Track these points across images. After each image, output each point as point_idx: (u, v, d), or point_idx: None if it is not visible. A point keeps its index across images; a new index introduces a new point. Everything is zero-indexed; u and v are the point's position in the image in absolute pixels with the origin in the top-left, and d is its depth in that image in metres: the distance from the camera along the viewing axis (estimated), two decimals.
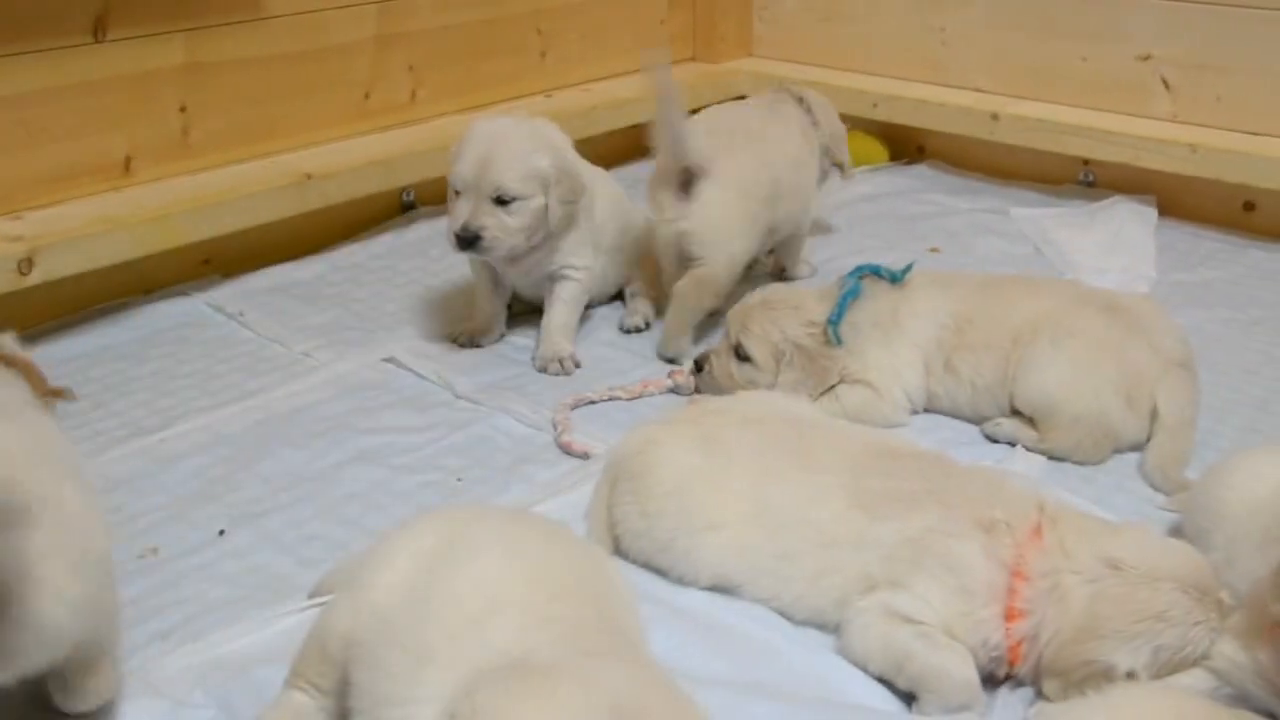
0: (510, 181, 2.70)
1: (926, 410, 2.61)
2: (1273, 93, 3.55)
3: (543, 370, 2.80)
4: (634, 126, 3.92)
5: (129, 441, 2.49)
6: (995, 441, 2.50)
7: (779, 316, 2.56)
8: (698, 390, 2.65)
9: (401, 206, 3.68)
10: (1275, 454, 2.01)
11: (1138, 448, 2.43)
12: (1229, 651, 1.68)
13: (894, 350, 2.57)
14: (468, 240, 2.69)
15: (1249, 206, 3.63)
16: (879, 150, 4.25)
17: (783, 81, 3.68)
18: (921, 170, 4.19)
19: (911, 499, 1.89)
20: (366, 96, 3.66)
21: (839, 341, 2.52)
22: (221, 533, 2.19)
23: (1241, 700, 1.67)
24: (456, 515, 1.68)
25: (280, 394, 2.70)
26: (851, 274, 2.63)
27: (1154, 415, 2.42)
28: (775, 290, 2.67)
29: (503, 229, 2.70)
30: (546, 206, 2.75)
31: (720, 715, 1.61)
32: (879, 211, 3.77)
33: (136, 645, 1.87)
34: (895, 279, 2.63)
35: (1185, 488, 2.23)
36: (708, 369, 2.61)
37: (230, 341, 2.96)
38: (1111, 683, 1.66)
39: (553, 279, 2.90)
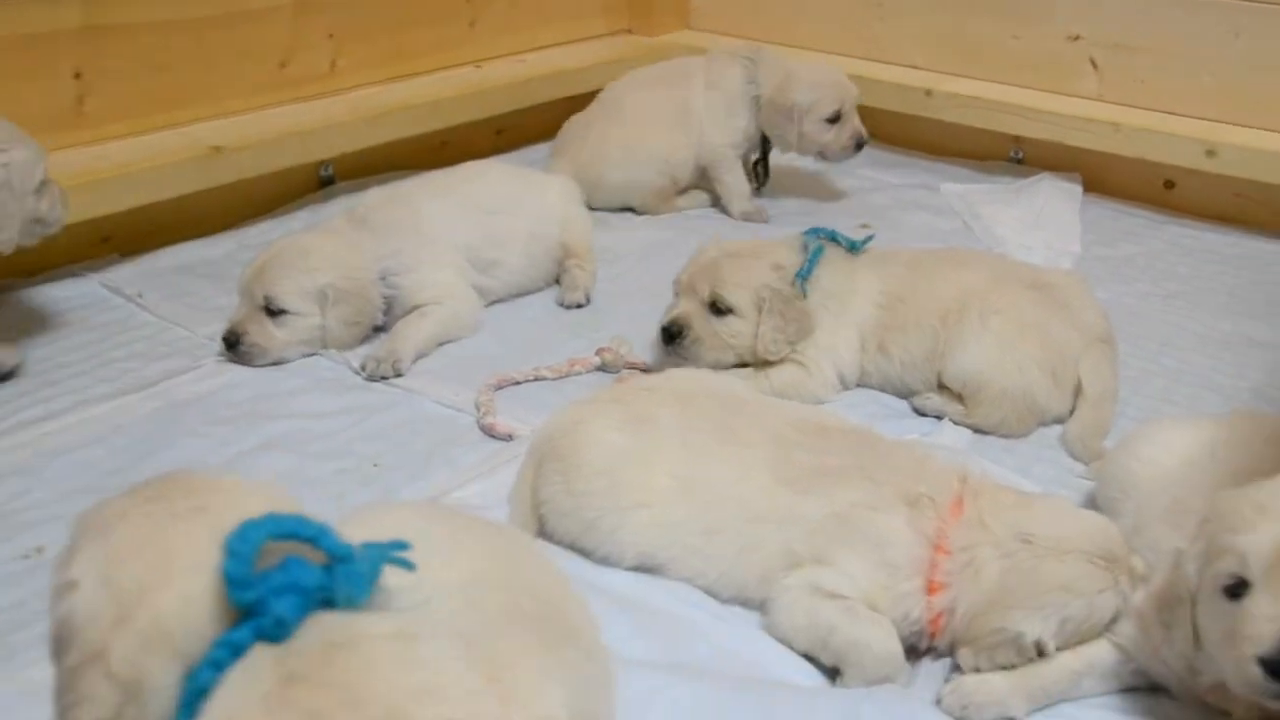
0: (280, 294, 2.62)
1: (857, 385, 2.60)
2: (1194, 75, 3.58)
3: (361, 368, 2.62)
4: (571, 99, 3.84)
5: (13, 434, 2.36)
6: (923, 415, 2.51)
7: (750, 264, 2.53)
8: (650, 369, 2.60)
9: (319, 181, 3.56)
10: (1181, 426, 2.04)
11: (1060, 420, 2.45)
12: (1130, 631, 1.71)
13: (838, 326, 2.55)
14: (229, 342, 2.63)
15: (1169, 184, 3.68)
16: None
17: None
18: None
19: (838, 474, 1.89)
20: (283, 65, 3.52)
21: (804, 295, 2.52)
22: None
23: (1143, 675, 1.72)
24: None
25: (182, 380, 2.58)
26: (810, 233, 2.61)
27: (1077, 389, 2.45)
28: (730, 241, 2.64)
29: (266, 338, 2.62)
30: (324, 325, 2.66)
31: (644, 696, 1.62)
32: (810, 186, 3.74)
33: (17, 650, 1.78)
34: (853, 247, 2.62)
35: (1103, 457, 2.25)
36: (689, 334, 2.52)
37: (128, 325, 2.82)
38: (1021, 652, 1.71)
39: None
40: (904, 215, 3.55)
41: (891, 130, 4.08)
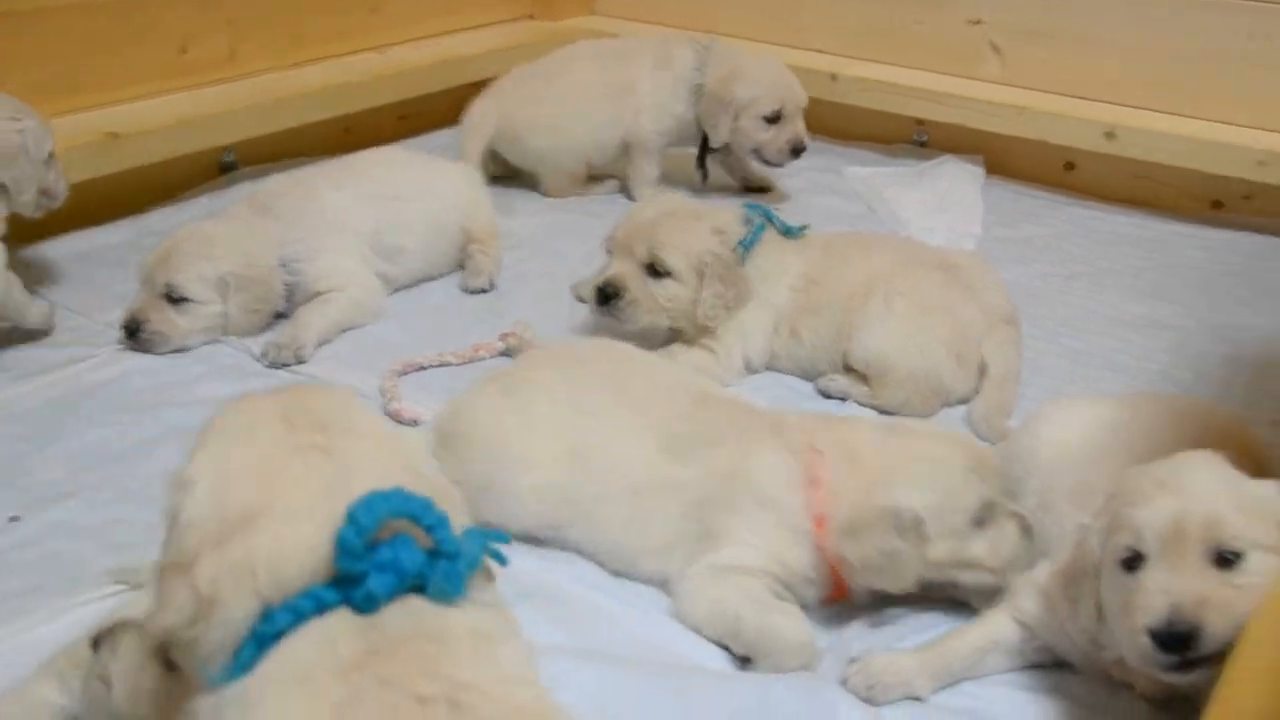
0: (181, 282, 2.59)
1: (772, 369, 2.62)
2: (1094, 58, 3.65)
3: (263, 355, 2.60)
4: (474, 84, 3.82)
5: None
6: (828, 397, 2.52)
7: (690, 226, 2.51)
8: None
9: (220, 168, 3.50)
10: (1084, 406, 2.07)
11: (965, 400, 2.48)
12: (1034, 607, 1.74)
13: (756, 309, 2.56)
14: (129, 330, 2.60)
15: (1069, 166, 3.75)
16: None
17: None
18: None
19: (715, 440, 1.92)
20: (183, 51, 3.46)
21: (743, 264, 2.53)
22: (14, 519, 2.04)
23: (1047, 651, 1.75)
24: None
25: (81, 368, 2.53)
26: (750, 208, 2.62)
27: (981, 370, 2.48)
28: (668, 201, 2.64)
29: (167, 326, 2.60)
30: (225, 312, 2.64)
31: (551, 681, 1.56)
32: (718, 170, 3.72)
33: None
34: (788, 231, 2.63)
35: (1007, 437, 2.28)
36: (626, 295, 2.50)
37: None
38: (901, 530, 1.77)
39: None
40: (811, 199, 3.57)
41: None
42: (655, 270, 2.50)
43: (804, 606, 1.84)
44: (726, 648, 1.81)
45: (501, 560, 1.17)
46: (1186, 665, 1.49)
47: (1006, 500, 1.86)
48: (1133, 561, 1.54)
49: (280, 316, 2.74)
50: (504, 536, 1.19)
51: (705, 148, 3.52)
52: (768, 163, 3.43)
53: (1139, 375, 2.64)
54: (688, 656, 1.79)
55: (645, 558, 1.91)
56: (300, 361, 2.57)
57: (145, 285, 2.61)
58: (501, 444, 1.97)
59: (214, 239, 2.65)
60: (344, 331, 2.71)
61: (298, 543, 1.08)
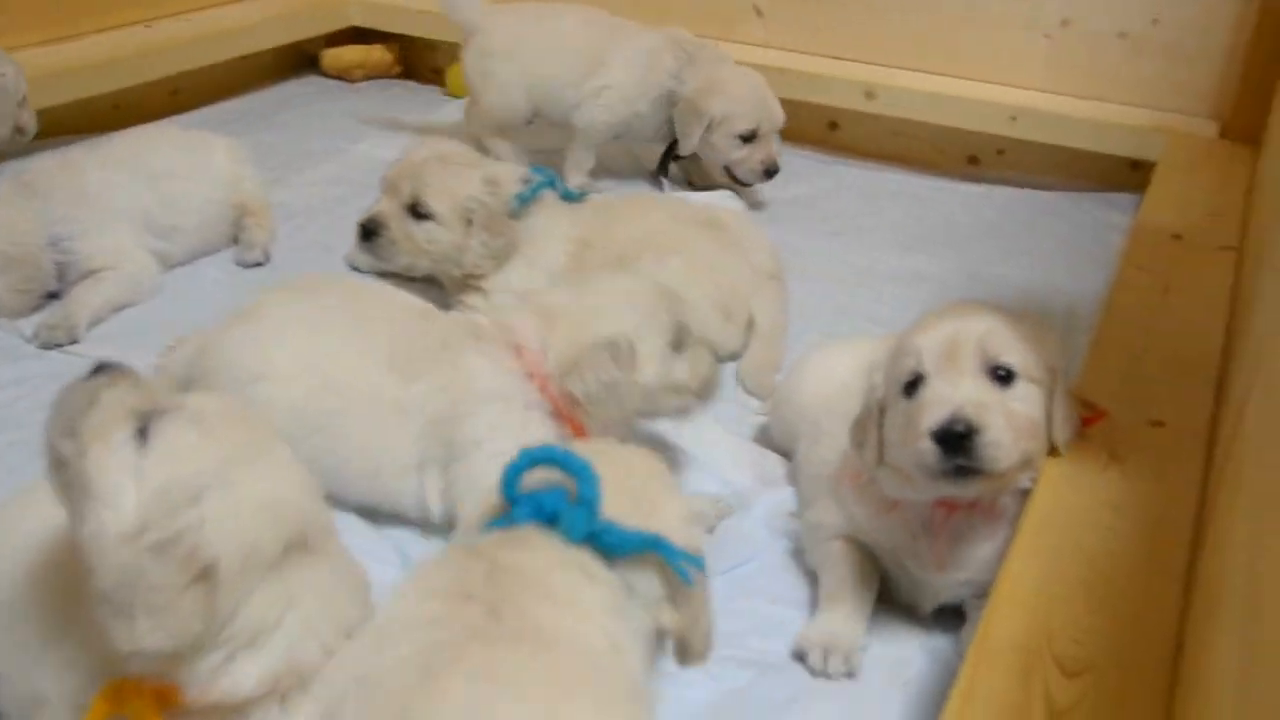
0: None
1: None
2: (854, 19, 3.76)
3: (34, 336, 2.51)
4: (245, 58, 3.78)
5: None
6: None
7: (460, 173, 2.51)
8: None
9: None
10: (843, 348, 2.13)
11: (735, 357, 2.51)
12: (827, 518, 1.83)
13: (529, 271, 2.57)
14: None
15: (833, 126, 3.85)
16: None
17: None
18: None
19: (432, 354, 1.95)
20: None
21: (515, 216, 2.53)
22: None
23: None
24: None
25: None
26: (536, 170, 2.62)
27: (749, 325, 2.53)
28: (445, 146, 2.62)
29: None
30: None
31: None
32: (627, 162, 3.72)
33: None
34: (569, 197, 2.64)
35: (774, 391, 2.33)
36: (385, 233, 2.52)
37: None
38: (619, 358, 1.87)
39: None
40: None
41: None
42: (418, 211, 2.50)
43: None
44: None
45: (683, 575, 1.27)
46: (962, 472, 1.56)
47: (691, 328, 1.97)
48: (914, 385, 1.62)
49: (53, 296, 2.64)
50: (695, 560, 1.29)
51: (670, 153, 3.43)
52: (737, 180, 3.31)
53: (900, 325, 2.62)
54: None
55: (392, 477, 1.92)
56: (73, 341, 2.49)
57: None
58: (243, 364, 1.95)
59: None
60: (118, 310, 2.65)
61: None
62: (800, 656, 1.69)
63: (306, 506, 1.32)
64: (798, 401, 2.12)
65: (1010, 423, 1.58)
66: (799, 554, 1.93)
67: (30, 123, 3.13)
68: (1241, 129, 3.33)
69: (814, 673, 1.66)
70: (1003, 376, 1.62)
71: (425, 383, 1.92)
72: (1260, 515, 1.07)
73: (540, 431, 1.89)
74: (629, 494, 1.30)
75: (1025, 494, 1.67)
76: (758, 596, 1.86)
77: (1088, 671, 1.36)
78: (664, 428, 2.21)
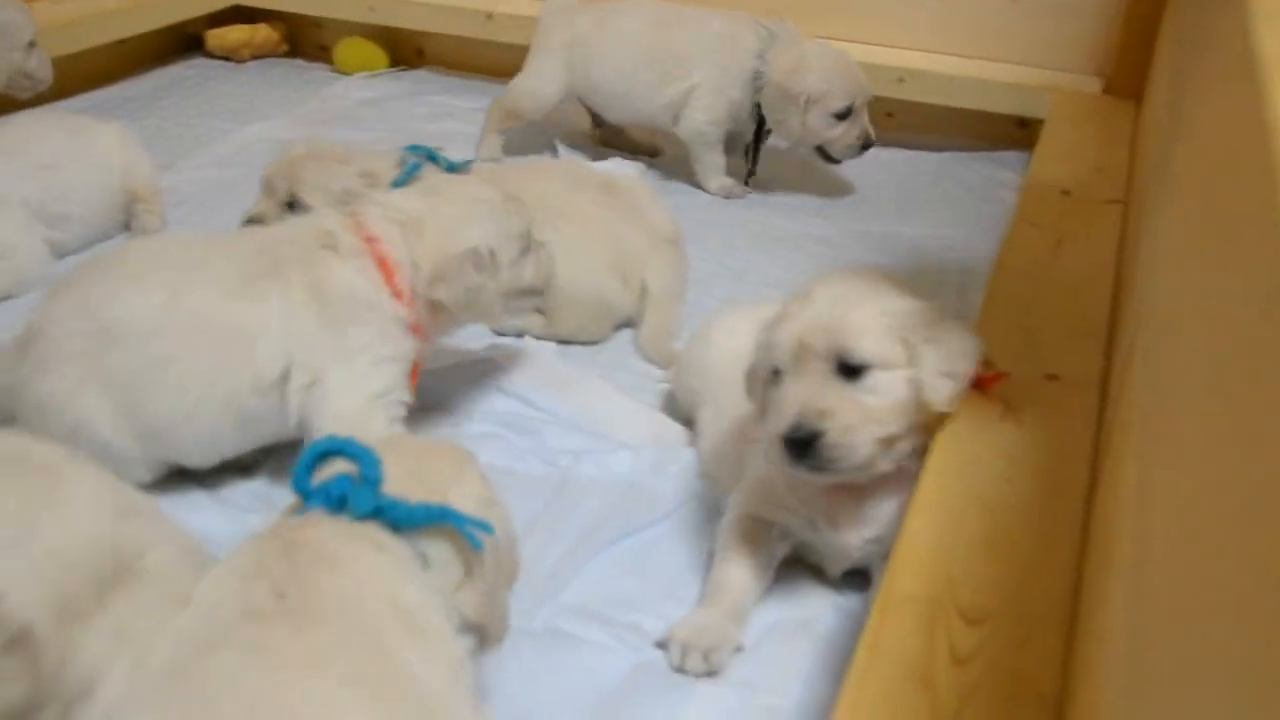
0: None
1: None
2: None
3: None
4: (122, 41, 3.68)
5: None
6: (503, 335, 2.51)
7: (333, 168, 2.48)
8: None
9: None
10: (742, 311, 2.13)
11: (634, 322, 2.53)
12: (731, 482, 1.84)
13: None
14: None
15: None
16: (379, 55, 4.17)
17: None
18: (421, 74, 4.17)
19: (275, 271, 1.93)
20: None
21: None
22: None
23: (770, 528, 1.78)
24: None
25: None
26: (410, 149, 2.58)
27: (645, 290, 2.52)
28: (318, 142, 2.59)
29: None
30: None
31: None
32: (381, 115, 3.70)
33: None
34: (452, 168, 2.57)
35: (674, 358, 2.34)
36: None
37: None
38: (480, 266, 1.94)
39: None
40: (476, 138, 3.47)
41: (455, 56, 4.11)
42: (294, 208, 2.45)
43: None
44: None
45: (473, 540, 1.33)
46: (817, 469, 1.59)
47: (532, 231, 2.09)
48: (775, 376, 1.66)
49: None
50: (482, 525, 1.34)
51: (758, 139, 3.28)
52: (830, 158, 3.19)
53: (794, 288, 2.74)
54: None
55: (254, 395, 1.90)
56: None
57: None
58: (111, 301, 1.90)
59: None
60: (6, 300, 2.59)
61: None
62: (663, 647, 1.67)
63: (110, 533, 1.28)
64: (700, 367, 2.12)
65: (864, 415, 1.59)
66: (709, 517, 1.94)
67: (41, 70, 3.14)
68: (1124, 85, 3.40)
69: (671, 667, 1.63)
70: (854, 369, 1.62)
71: (281, 299, 1.90)
72: (1147, 462, 1.09)
73: (404, 344, 1.95)
74: (417, 477, 1.36)
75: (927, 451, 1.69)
76: (666, 559, 1.87)
77: (989, 619, 1.38)
78: (561, 396, 2.22)
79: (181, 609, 1.24)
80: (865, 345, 1.62)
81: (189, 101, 3.83)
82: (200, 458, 1.97)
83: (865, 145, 3.15)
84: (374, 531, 1.28)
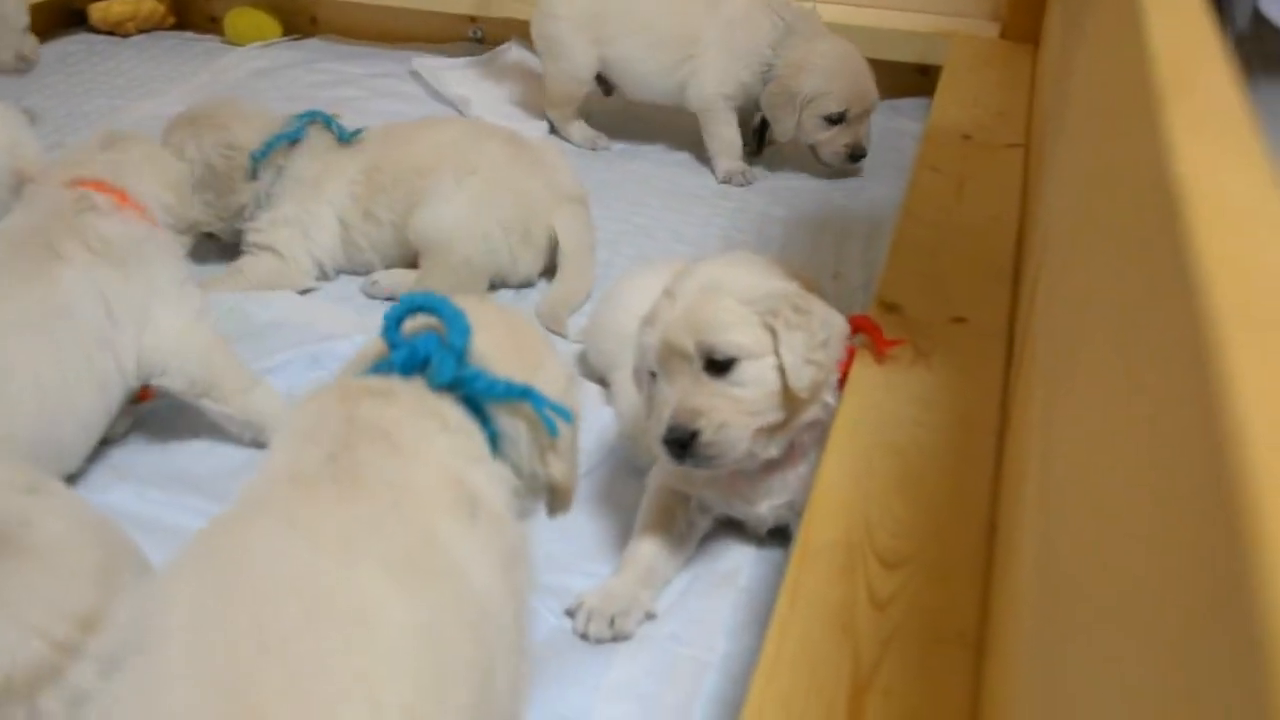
0: None
1: (356, 269, 2.58)
2: None
3: None
4: None
5: None
6: (375, 299, 2.49)
7: (200, 132, 2.45)
8: None
9: None
10: (654, 269, 2.12)
11: (529, 281, 2.53)
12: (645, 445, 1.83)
13: (309, 209, 2.50)
14: None
15: None
16: (271, 25, 4.06)
17: None
18: (315, 43, 4.07)
19: (53, 252, 1.90)
20: None
21: (254, 176, 2.47)
22: None
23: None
24: None
25: None
26: (302, 116, 2.55)
27: (552, 247, 2.51)
28: (211, 105, 2.55)
29: None
30: None
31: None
32: (274, 85, 3.61)
33: None
34: (344, 137, 2.56)
35: (567, 329, 2.34)
36: None
37: None
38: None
39: None
40: (373, 103, 3.46)
41: (349, 23, 4.03)
42: None
43: None
44: None
45: (550, 425, 1.26)
46: (701, 465, 1.60)
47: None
48: (652, 377, 1.66)
49: None
50: (563, 412, 1.27)
51: (764, 130, 3.22)
52: (819, 159, 3.10)
53: (704, 243, 2.73)
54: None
55: (102, 361, 1.90)
56: None
57: None
58: None
59: None
60: None
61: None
62: (571, 614, 1.66)
63: None
64: (613, 329, 2.10)
65: (737, 409, 1.59)
66: (633, 475, 1.93)
67: (34, 53, 3.23)
68: (1021, 29, 3.44)
69: (575, 632, 1.63)
70: (721, 364, 1.60)
71: (70, 275, 1.87)
72: (1050, 397, 1.11)
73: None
74: (514, 348, 1.29)
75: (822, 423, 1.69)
76: (590, 520, 1.88)
77: (907, 562, 1.40)
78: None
79: (76, 581, 1.22)
80: (729, 339, 1.59)
81: (75, 79, 3.71)
82: (82, 449, 1.91)
83: (855, 155, 3.06)
84: (447, 407, 1.20)
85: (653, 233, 2.81)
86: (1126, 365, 0.72)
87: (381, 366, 1.25)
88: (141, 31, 4.13)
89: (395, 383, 1.21)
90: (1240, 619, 0.42)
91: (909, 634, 1.30)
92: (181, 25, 4.23)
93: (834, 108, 3.00)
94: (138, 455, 2.02)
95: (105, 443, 1.99)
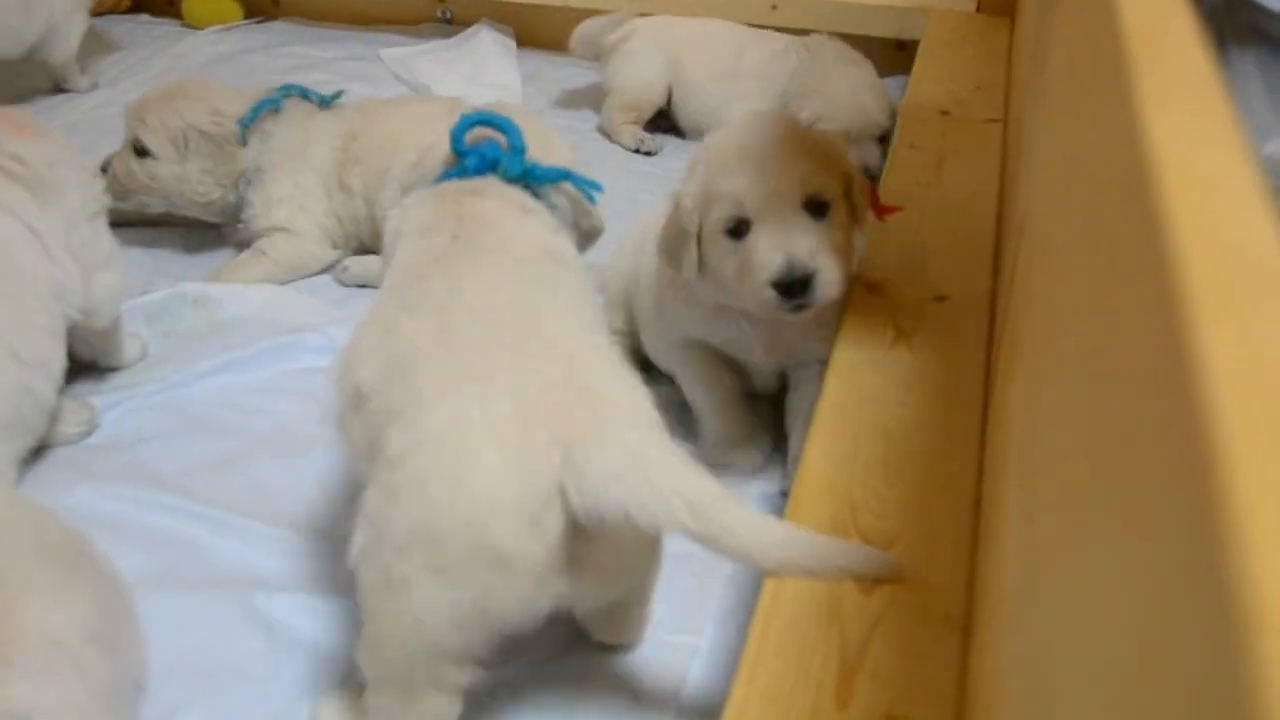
0: None
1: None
2: None
3: None
4: None
5: None
6: (346, 285, 2.52)
7: (181, 105, 2.46)
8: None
9: None
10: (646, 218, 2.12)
11: None
12: (661, 327, 1.98)
13: (298, 182, 2.52)
14: None
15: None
16: (232, 7, 4.03)
17: None
18: (278, 26, 4.03)
19: None
20: None
21: (244, 142, 2.49)
22: None
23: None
24: None
25: None
26: (284, 88, 2.57)
27: None
28: (185, 82, 2.55)
29: None
30: None
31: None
32: (239, 70, 3.58)
33: None
34: (324, 102, 2.59)
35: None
36: (111, 171, 2.47)
37: None
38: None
39: None
40: (341, 88, 3.39)
41: (313, 6, 4.02)
42: (139, 149, 2.47)
43: None
44: None
45: (589, 196, 1.76)
46: (800, 307, 1.68)
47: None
48: (739, 229, 1.68)
49: None
50: (592, 183, 1.75)
51: None
52: None
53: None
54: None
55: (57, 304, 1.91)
56: None
57: None
58: None
59: None
60: None
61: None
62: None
63: None
64: (617, 277, 2.17)
65: (835, 252, 1.68)
66: None
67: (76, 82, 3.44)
68: (997, 2, 3.42)
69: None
70: (820, 208, 1.69)
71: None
72: (1033, 374, 1.10)
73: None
74: (538, 144, 1.70)
75: None
76: None
77: (893, 543, 1.40)
78: None
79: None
80: (829, 183, 1.70)
81: (32, 66, 3.61)
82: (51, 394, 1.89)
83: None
84: (518, 194, 1.60)
85: (638, 199, 2.79)
86: (1100, 340, 0.71)
87: (454, 172, 1.64)
88: (99, 15, 3.99)
89: (478, 182, 1.60)
90: (1215, 588, 0.42)
91: (896, 617, 1.29)
92: (138, 9, 4.17)
93: (833, 128, 3.01)
94: (101, 454, 1.98)
95: (66, 443, 1.99)
